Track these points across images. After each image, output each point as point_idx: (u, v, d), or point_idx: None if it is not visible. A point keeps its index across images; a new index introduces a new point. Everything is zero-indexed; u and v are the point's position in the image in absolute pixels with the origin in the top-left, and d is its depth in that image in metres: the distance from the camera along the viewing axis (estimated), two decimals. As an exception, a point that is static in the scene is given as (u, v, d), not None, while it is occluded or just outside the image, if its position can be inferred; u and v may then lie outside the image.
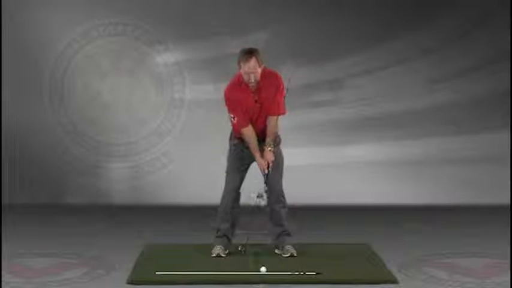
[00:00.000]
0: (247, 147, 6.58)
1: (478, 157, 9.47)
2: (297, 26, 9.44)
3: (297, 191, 8.77)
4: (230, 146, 6.70)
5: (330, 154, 9.52)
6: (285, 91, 6.52)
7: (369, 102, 9.54)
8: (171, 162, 9.48)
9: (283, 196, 6.65)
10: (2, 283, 5.87)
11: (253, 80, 6.38)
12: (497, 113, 9.48)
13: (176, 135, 9.48)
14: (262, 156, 6.50)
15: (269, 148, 6.49)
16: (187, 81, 9.49)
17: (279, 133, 6.64)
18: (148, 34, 9.41)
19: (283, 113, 6.54)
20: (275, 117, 6.51)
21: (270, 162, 6.50)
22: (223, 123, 6.80)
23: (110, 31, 9.42)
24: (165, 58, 9.52)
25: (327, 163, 9.48)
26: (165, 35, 9.44)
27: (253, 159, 6.62)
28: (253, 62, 6.34)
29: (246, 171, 6.68)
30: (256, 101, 6.46)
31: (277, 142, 6.63)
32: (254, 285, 5.89)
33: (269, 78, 6.45)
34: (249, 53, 6.37)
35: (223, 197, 6.67)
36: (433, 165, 9.48)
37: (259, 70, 6.38)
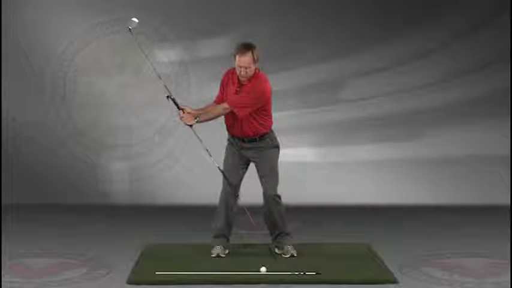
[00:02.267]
0: (246, 147, 6.60)
1: (478, 157, 9.47)
2: (297, 26, 9.45)
3: (297, 190, 8.80)
4: (227, 144, 6.72)
5: (330, 154, 9.52)
6: (261, 103, 6.47)
7: (369, 102, 9.54)
8: (175, 163, 9.47)
9: (276, 200, 6.61)
10: (2, 283, 5.88)
11: (243, 74, 6.41)
12: (497, 113, 9.48)
13: (178, 135, 9.45)
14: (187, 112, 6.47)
15: (194, 116, 6.46)
16: (192, 80, 9.46)
17: (277, 136, 6.64)
18: (153, 32, 9.35)
19: (234, 106, 6.43)
20: (224, 104, 6.48)
21: (182, 121, 6.47)
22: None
23: (112, 29, 9.38)
24: (170, 57, 9.50)
25: (327, 163, 9.48)
26: (170, 33, 9.41)
27: (249, 158, 6.63)
28: (248, 57, 6.37)
29: (244, 170, 6.68)
30: (236, 92, 6.49)
31: (272, 144, 6.62)
32: (254, 285, 5.89)
33: (258, 83, 6.46)
34: (246, 47, 6.40)
35: (221, 196, 6.68)
36: (433, 165, 9.48)
37: (252, 67, 6.40)
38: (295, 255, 6.62)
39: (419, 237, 7.68)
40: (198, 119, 6.49)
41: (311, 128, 9.53)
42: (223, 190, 6.67)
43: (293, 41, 9.45)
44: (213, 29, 9.42)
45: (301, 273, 6.08)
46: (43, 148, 9.46)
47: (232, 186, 6.60)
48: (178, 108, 6.51)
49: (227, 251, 6.70)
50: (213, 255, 6.63)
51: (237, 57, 6.39)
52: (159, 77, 6.56)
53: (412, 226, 8.23)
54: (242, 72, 6.42)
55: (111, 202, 9.36)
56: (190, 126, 6.50)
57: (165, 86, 6.51)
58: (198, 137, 6.50)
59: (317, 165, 9.47)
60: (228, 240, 6.72)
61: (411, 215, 8.77)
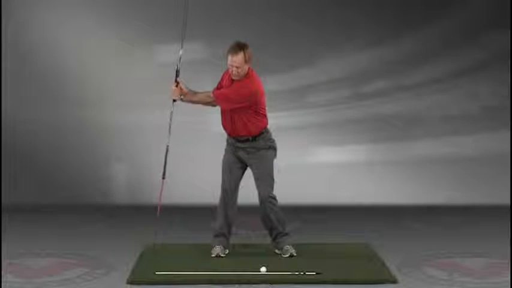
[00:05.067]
0: (240, 147, 6.61)
1: (478, 157, 9.47)
2: (298, 26, 9.44)
3: (297, 190, 8.80)
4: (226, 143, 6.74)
5: (329, 154, 9.51)
6: (246, 102, 6.49)
7: (369, 102, 9.54)
8: (174, 162, 9.43)
9: (271, 202, 6.60)
10: (2, 283, 5.88)
11: (235, 74, 6.46)
12: (497, 113, 9.48)
13: (179, 135, 9.39)
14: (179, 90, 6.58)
15: (181, 93, 6.55)
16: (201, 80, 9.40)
17: (275, 138, 6.64)
18: (158, 30, 9.28)
19: (217, 97, 6.51)
20: (209, 92, 6.57)
21: (171, 95, 6.56)
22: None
23: (116, 29, 9.35)
24: (175, 56, 9.44)
25: (328, 163, 9.47)
26: (176, 33, 9.34)
27: (243, 158, 6.63)
28: (239, 57, 6.40)
29: (243, 170, 6.68)
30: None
31: (266, 145, 6.62)
32: (254, 285, 5.89)
33: (246, 82, 6.47)
34: (239, 47, 6.43)
35: (220, 196, 6.68)
36: (432, 165, 9.48)
37: (244, 66, 6.43)
38: (295, 254, 6.61)
39: (419, 237, 7.69)
40: (182, 97, 6.57)
41: (311, 128, 9.52)
42: (222, 190, 6.67)
43: (293, 41, 9.45)
44: (216, 29, 9.40)
45: (301, 273, 6.08)
46: (43, 148, 9.45)
47: (230, 186, 6.62)
48: (175, 80, 6.59)
49: (227, 251, 6.70)
50: (213, 255, 6.63)
51: (229, 57, 6.43)
52: (183, 28, 6.58)
53: (412, 226, 8.23)
54: (234, 72, 6.45)
55: (111, 202, 9.36)
56: (174, 101, 6.60)
57: (180, 58, 6.62)
58: (170, 117, 6.52)
59: (317, 165, 9.46)
60: (228, 240, 6.72)
61: (411, 215, 8.77)
